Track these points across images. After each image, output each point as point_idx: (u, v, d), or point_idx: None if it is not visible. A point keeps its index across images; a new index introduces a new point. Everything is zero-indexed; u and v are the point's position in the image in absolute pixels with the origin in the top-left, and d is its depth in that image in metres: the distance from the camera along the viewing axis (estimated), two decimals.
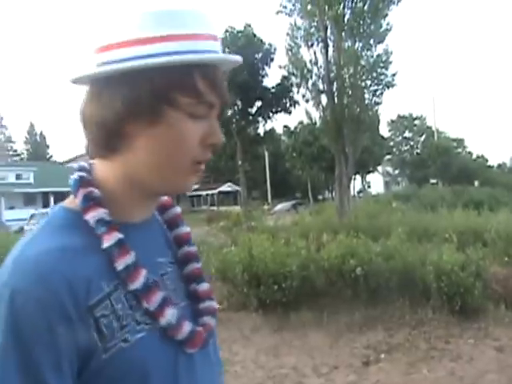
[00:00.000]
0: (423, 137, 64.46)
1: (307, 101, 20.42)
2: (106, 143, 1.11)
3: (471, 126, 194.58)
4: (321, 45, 19.96)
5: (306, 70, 20.08)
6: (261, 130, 40.97)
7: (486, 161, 77.95)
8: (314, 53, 19.99)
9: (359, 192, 55.51)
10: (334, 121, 19.16)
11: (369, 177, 66.48)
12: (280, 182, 62.12)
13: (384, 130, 62.44)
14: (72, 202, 1.14)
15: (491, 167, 76.84)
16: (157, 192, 1.20)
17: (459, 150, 65.46)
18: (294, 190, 66.64)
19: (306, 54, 20.67)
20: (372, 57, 20.46)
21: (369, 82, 20.69)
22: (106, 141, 1.11)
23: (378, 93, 21.17)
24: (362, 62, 19.91)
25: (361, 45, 19.79)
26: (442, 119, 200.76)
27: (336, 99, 19.46)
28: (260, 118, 39.83)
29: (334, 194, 43.33)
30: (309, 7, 20.07)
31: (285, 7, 21.15)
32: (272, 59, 38.17)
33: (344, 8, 19.46)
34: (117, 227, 1.11)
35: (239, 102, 38.29)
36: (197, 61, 1.08)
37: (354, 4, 19.55)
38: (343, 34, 19.47)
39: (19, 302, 0.97)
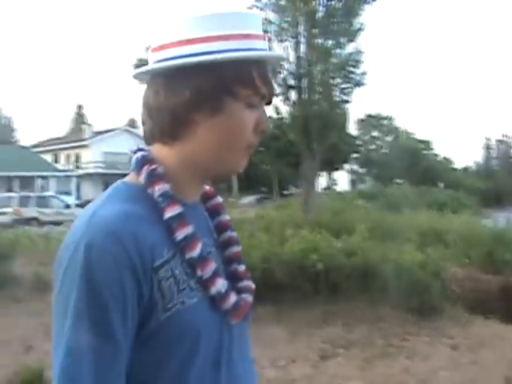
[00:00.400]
0: (391, 137, 65.18)
1: (276, 95, 20.53)
2: (172, 129, 1.23)
3: (439, 129, 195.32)
4: (292, 41, 19.95)
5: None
6: None
7: (452, 163, 79.14)
8: (286, 48, 19.96)
9: (325, 189, 55.71)
10: (301, 117, 19.18)
11: (335, 174, 67.26)
12: (247, 176, 61.96)
13: (352, 129, 63.89)
14: (133, 178, 1.26)
15: (456, 170, 77.75)
16: (214, 174, 1.31)
17: (426, 151, 65.74)
18: (260, 185, 66.50)
19: (277, 50, 20.75)
20: (343, 55, 20.54)
21: (339, 80, 20.73)
22: (173, 127, 1.23)
23: (347, 91, 21.21)
24: (333, 60, 19.96)
25: (332, 42, 19.83)
26: (411, 120, 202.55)
27: (305, 95, 19.45)
28: None
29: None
30: (282, 2, 20.03)
31: (258, 1, 21.05)
32: None
33: (318, 5, 19.46)
34: (178, 201, 1.22)
35: None
36: (255, 57, 1.24)
37: (327, 1, 19.55)
38: (315, 30, 19.49)
39: (94, 254, 1.07)
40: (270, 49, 1.32)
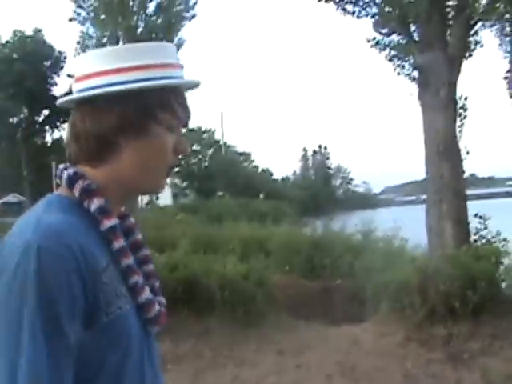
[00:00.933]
0: (211, 150, 65.84)
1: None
2: (98, 153, 1.30)
3: (257, 141, 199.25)
4: None
5: None
6: (49, 139, 39.36)
7: (271, 174, 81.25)
8: None
9: (147, 204, 55.78)
10: None
11: None
12: None
13: None
14: (66, 192, 1.32)
15: (276, 180, 80.00)
16: (138, 193, 1.50)
17: (246, 163, 68.35)
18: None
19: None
20: None
21: None
22: (99, 151, 1.30)
23: None
24: None
25: None
26: (230, 133, 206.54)
27: None
28: (47, 127, 38.34)
29: None
30: (102, 17, 19.77)
31: (78, 14, 20.61)
32: (62, 67, 37.02)
33: (137, 20, 19.40)
34: (114, 214, 1.31)
35: (26, 110, 36.62)
36: (174, 85, 1.35)
37: (147, 17, 19.55)
38: None
39: (45, 258, 1.12)
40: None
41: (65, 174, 1.32)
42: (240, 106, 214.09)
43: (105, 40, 19.75)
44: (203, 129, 68.23)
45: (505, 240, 9.78)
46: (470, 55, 10.60)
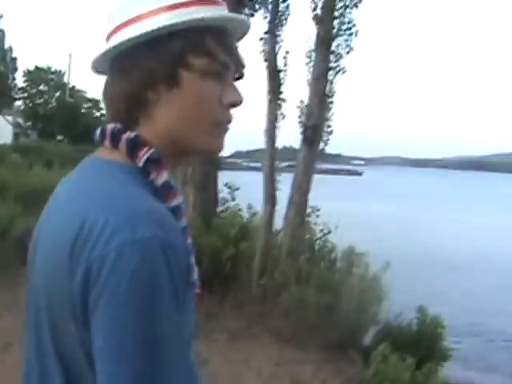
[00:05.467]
0: (59, 92, 61.44)
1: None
2: (131, 113, 1.17)
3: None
4: None
5: None
6: None
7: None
8: None
9: None
10: None
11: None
12: None
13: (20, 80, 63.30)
14: (117, 156, 1.16)
15: None
16: (191, 153, 1.28)
17: (94, 110, 58.96)
18: None
19: None
20: None
21: None
22: (134, 111, 1.17)
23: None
24: None
25: None
26: (81, 78, 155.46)
27: None
28: None
29: None
30: None
31: None
32: None
33: None
34: (176, 190, 1.19)
35: None
36: (205, 24, 1.15)
37: None
38: None
39: (172, 253, 1.00)
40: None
41: (123, 138, 1.16)
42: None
43: None
44: (53, 69, 63.89)
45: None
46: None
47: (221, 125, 1.21)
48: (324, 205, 10.11)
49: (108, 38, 1.20)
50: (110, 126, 1.19)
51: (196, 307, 1.18)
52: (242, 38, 1.28)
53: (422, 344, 7.05)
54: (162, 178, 1.14)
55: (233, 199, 10.36)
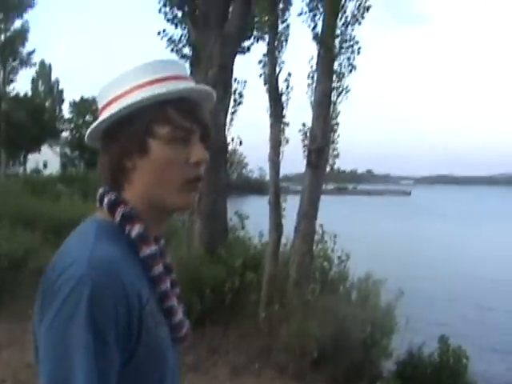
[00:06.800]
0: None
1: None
2: (115, 179, 1.35)
3: None
4: None
5: None
6: None
7: None
8: None
9: (33, 171, 54.85)
10: None
11: (48, 156, 67.57)
12: None
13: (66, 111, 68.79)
14: (106, 216, 1.34)
15: None
16: (167, 210, 1.39)
17: None
18: None
19: None
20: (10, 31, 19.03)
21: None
22: (115, 177, 1.35)
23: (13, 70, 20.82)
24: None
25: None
26: None
27: None
28: None
29: None
30: None
31: None
32: None
33: None
34: (152, 241, 1.34)
35: None
36: (165, 97, 1.30)
37: None
38: None
39: (99, 295, 1.13)
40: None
41: (105, 199, 1.34)
42: None
43: None
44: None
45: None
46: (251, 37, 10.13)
47: (190, 182, 1.35)
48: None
49: (99, 116, 1.37)
50: (100, 190, 1.38)
51: (195, 342, 1.12)
52: (211, 102, 1.45)
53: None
54: (135, 230, 1.30)
55: (243, 227, 10.23)
